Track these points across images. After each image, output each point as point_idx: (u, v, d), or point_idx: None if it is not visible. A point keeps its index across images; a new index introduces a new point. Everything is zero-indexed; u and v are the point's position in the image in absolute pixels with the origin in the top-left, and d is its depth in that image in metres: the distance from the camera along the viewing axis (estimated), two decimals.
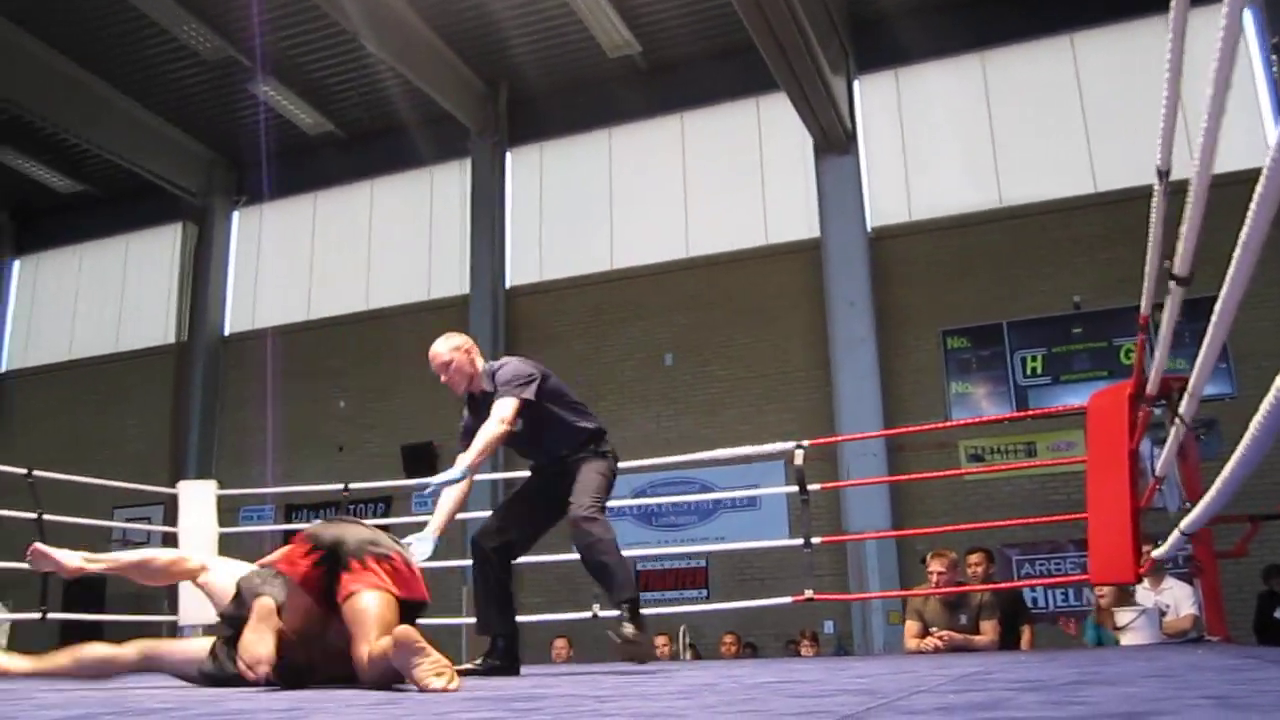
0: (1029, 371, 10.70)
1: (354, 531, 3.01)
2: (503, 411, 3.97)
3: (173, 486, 6.99)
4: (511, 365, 4.16)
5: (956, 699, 1.70)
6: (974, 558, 6.14)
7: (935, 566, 5.85)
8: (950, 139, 11.69)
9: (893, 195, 11.74)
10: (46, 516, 6.27)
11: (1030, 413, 10.08)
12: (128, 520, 11.44)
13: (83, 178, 15.50)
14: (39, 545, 3.60)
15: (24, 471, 6.44)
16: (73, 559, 3.55)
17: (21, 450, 13.46)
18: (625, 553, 4.03)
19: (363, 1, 10.64)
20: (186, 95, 13.64)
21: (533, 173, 13.62)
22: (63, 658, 3.20)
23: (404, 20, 11.57)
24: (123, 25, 12.17)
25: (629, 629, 3.91)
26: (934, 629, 5.77)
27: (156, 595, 9.12)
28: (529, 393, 4.05)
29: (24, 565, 6.34)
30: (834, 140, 11.50)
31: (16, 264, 16.94)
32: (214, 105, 13.88)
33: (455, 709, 1.84)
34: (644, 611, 3.98)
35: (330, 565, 2.93)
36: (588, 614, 6.17)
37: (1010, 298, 10.90)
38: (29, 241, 16.79)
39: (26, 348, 16.44)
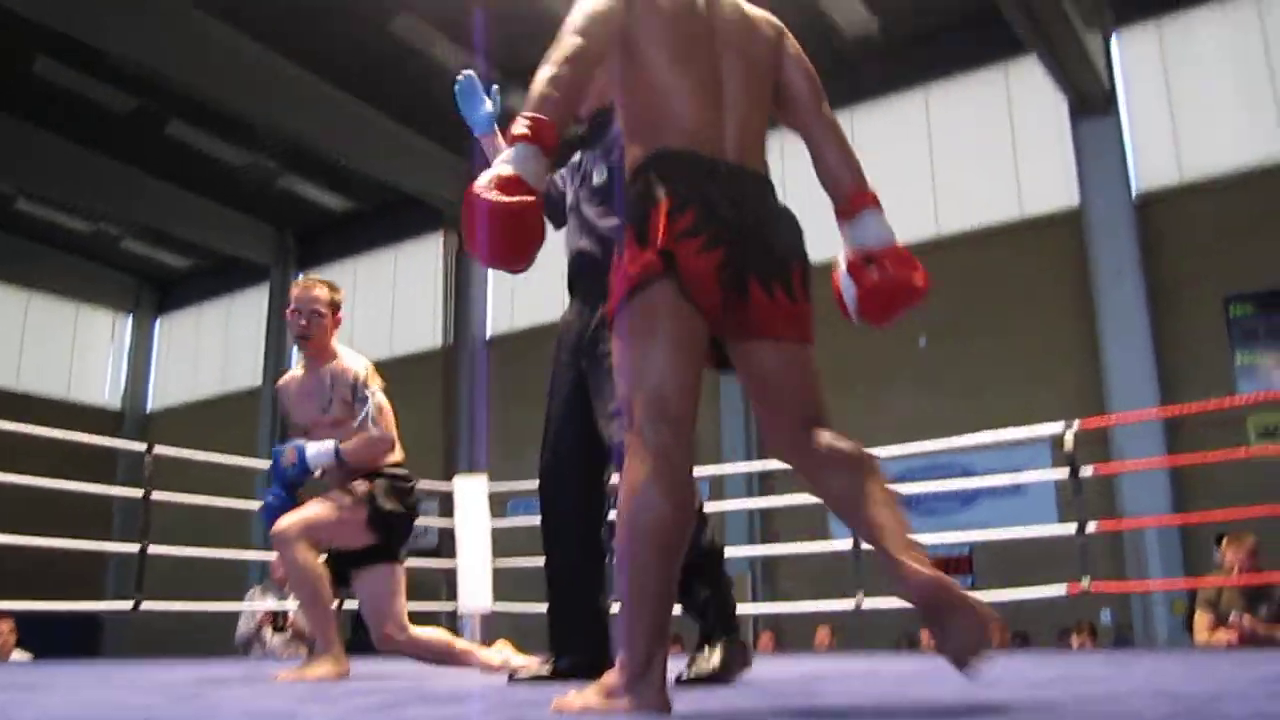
0: None
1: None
2: None
3: (447, 480, 7.34)
4: None
5: (1270, 706, 1.57)
6: None
7: (1234, 554, 5.44)
8: (1225, 89, 10.72)
9: (1160, 155, 10.91)
10: None
11: None
12: None
13: (353, 196, 16.70)
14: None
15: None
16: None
17: None
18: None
19: None
20: (436, 108, 14.33)
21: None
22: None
23: None
24: (381, 50, 12.95)
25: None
26: (1232, 616, 5.35)
27: (434, 581, 9.64)
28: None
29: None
30: (1091, 101, 10.82)
31: (300, 278, 18.41)
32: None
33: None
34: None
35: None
36: (849, 603, 6.10)
37: None
38: (310, 257, 18.24)
39: None
